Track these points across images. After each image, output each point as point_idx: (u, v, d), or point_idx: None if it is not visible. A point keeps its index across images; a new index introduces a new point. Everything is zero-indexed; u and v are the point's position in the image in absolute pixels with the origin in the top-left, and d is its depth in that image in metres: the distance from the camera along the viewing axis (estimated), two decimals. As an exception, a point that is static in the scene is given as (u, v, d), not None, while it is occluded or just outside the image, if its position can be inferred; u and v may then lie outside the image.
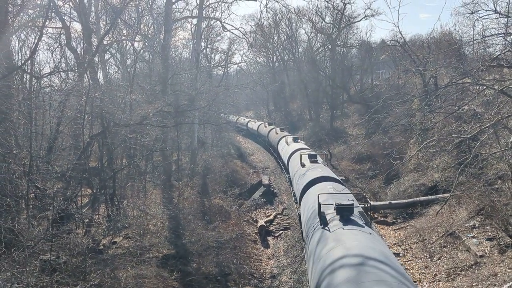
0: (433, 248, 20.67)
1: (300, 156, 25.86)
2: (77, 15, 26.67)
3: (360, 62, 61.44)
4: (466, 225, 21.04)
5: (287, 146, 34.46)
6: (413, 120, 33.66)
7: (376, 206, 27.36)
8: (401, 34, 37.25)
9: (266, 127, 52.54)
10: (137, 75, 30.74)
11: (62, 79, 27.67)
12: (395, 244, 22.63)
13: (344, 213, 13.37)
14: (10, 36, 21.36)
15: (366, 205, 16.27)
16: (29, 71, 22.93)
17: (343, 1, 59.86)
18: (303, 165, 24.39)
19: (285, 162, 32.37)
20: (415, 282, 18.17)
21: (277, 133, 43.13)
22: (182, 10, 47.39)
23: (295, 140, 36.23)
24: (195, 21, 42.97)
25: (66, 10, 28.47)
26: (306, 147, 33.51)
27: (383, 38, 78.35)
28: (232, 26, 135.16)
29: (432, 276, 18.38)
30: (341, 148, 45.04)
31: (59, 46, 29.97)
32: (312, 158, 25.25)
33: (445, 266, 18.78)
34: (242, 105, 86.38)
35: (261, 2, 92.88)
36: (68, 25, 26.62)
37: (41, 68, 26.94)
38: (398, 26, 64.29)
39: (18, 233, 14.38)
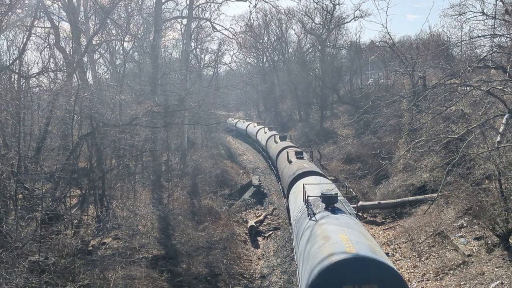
0: (421, 247, 20.84)
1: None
2: (66, 14, 26.50)
3: (349, 63, 61.72)
4: (454, 224, 21.25)
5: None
6: (402, 120, 33.92)
7: (366, 206, 27.52)
8: (389, 35, 37.56)
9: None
10: (126, 75, 30.61)
11: (50, 79, 27.50)
12: (384, 244, 22.77)
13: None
14: (-2, 36, 21.20)
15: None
16: (17, 71, 22.77)
17: (332, 2, 60.23)
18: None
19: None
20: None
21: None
22: (172, 10, 47.28)
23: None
24: (185, 21, 42.92)
25: (54, 10, 28.38)
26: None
27: (372, 39, 78.73)
28: (222, 26, 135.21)
29: (421, 276, 18.53)
30: (331, 148, 45.21)
31: (48, 46, 29.78)
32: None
33: (433, 265, 18.95)
34: (232, 106, 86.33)
35: (250, 3, 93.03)
36: (57, 24, 26.51)
37: (29, 68, 26.67)
38: (386, 27, 64.81)
39: (6, 234, 14.26)
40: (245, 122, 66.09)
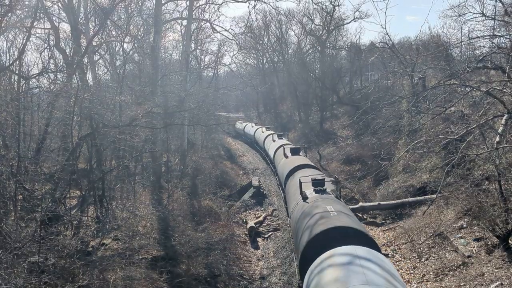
0: (421, 248, 20.84)
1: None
2: (66, 15, 26.48)
3: (349, 64, 61.74)
4: (454, 225, 21.24)
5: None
6: (401, 121, 33.91)
7: (366, 207, 27.51)
8: (389, 36, 37.47)
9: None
10: (126, 76, 30.59)
11: (50, 80, 27.42)
12: (384, 245, 22.76)
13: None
14: (-2, 37, 21.22)
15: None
16: (17, 72, 22.76)
17: (332, 3, 60.27)
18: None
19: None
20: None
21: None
22: (171, 11, 47.11)
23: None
24: (185, 22, 42.89)
25: (54, 11, 28.35)
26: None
27: (372, 40, 78.78)
28: (222, 27, 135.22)
29: (421, 277, 18.52)
30: (331, 149, 45.22)
31: (48, 47, 29.69)
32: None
33: (433, 266, 18.94)
34: (232, 107, 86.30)
35: (250, 3, 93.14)
36: (57, 25, 26.42)
37: (29, 69, 26.61)
38: (385, 28, 64.47)
39: (5, 234, 14.27)
40: (254, 126, 58.02)
